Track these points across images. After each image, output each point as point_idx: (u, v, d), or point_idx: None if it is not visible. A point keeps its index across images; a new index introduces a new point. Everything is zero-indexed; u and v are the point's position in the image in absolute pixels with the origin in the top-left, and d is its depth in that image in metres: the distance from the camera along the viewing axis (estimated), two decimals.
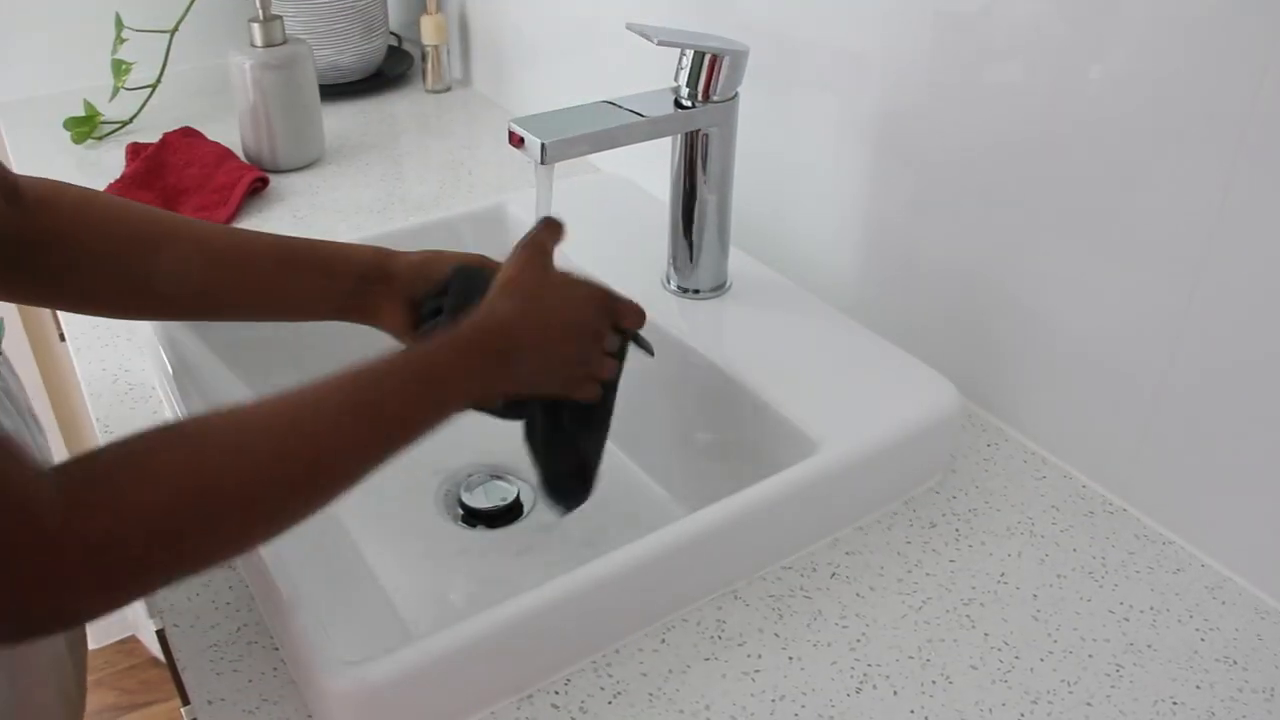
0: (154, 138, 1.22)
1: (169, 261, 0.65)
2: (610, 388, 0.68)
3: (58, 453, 1.80)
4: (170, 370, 0.77)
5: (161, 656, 1.56)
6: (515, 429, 0.92)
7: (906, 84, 0.80)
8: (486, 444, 0.90)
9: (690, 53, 0.76)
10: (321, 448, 0.51)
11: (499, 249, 0.98)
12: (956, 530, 0.72)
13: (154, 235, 0.66)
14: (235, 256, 0.68)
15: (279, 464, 0.49)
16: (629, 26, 0.73)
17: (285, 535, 0.50)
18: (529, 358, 0.62)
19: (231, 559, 0.50)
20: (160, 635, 0.73)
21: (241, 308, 0.70)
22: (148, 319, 0.78)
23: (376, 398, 0.54)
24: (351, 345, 0.93)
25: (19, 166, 1.23)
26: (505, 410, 0.68)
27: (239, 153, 1.22)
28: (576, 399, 0.66)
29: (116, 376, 0.86)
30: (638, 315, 0.68)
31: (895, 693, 0.61)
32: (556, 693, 0.61)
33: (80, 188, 0.65)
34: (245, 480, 0.47)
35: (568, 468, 0.69)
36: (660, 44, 0.72)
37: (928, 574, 0.69)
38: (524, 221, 0.96)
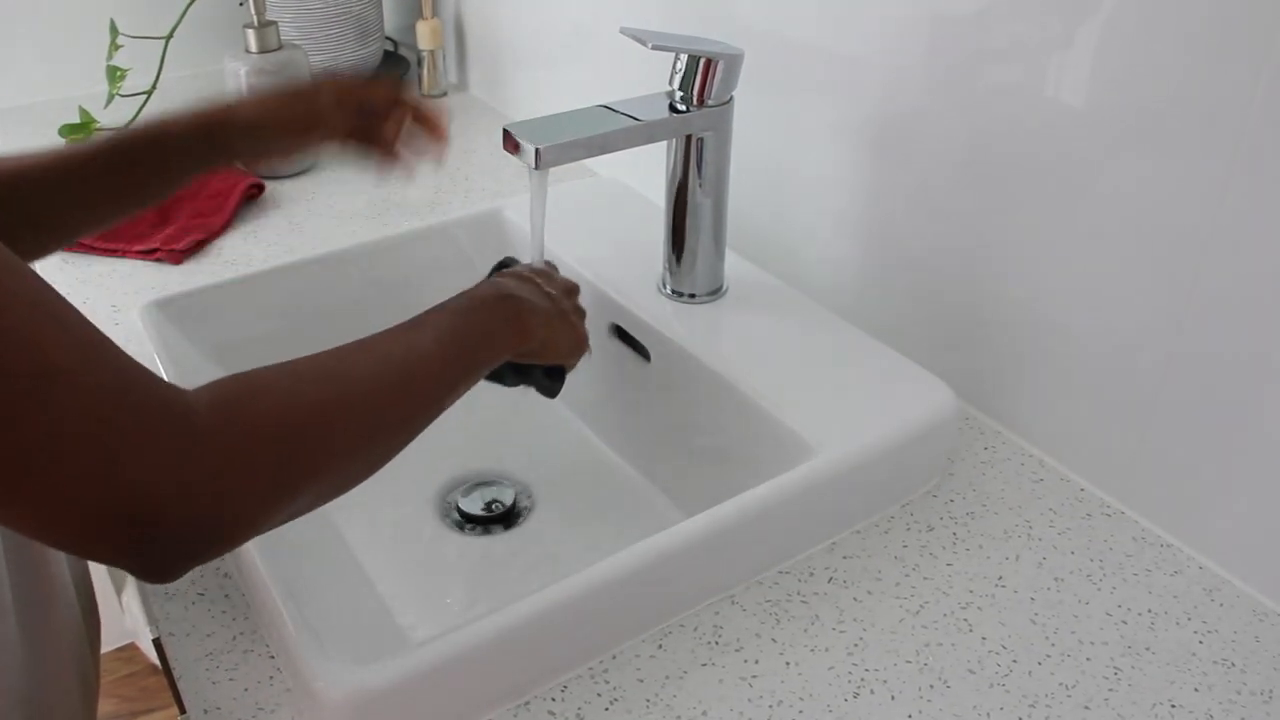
0: None
1: (32, 209, 0.66)
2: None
3: None
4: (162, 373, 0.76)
5: (159, 664, 1.56)
6: (512, 434, 0.92)
7: (903, 87, 0.80)
8: (482, 449, 0.90)
9: (685, 57, 0.76)
10: (414, 376, 0.58)
11: (496, 254, 0.98)
12: (954, 534, 0.72)
13: (27, 193, 0.65)
14: (70, 171, 0.67)
15: (378, 390, 0.55)
16: (623, 31, 0.73)
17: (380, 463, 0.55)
18: (544, 326, 0.70)
19: (341, 482, 0.53)
20: (157, 644, 0.73)
21: (93, 211, 0.70)
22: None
23: (458, 337, 0.63)
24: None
25: None
26: (510, 377, 0.76)
27: None
28: (569, 366, 0.77)
29: None
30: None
31: (893, 697, 0.60)
32: (553, 699, 0.61)
33: None
34: (353, 404, 0.53)
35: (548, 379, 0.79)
36: (655, 48, 0.72)
37: (925, 578, 0.68)
38: (520, 226, 0.96)
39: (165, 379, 0.44)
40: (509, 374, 0.75)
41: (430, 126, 0.79)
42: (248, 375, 0.49)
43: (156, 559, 0.43)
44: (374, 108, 0.76)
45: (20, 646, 0.59)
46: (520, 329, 0.68)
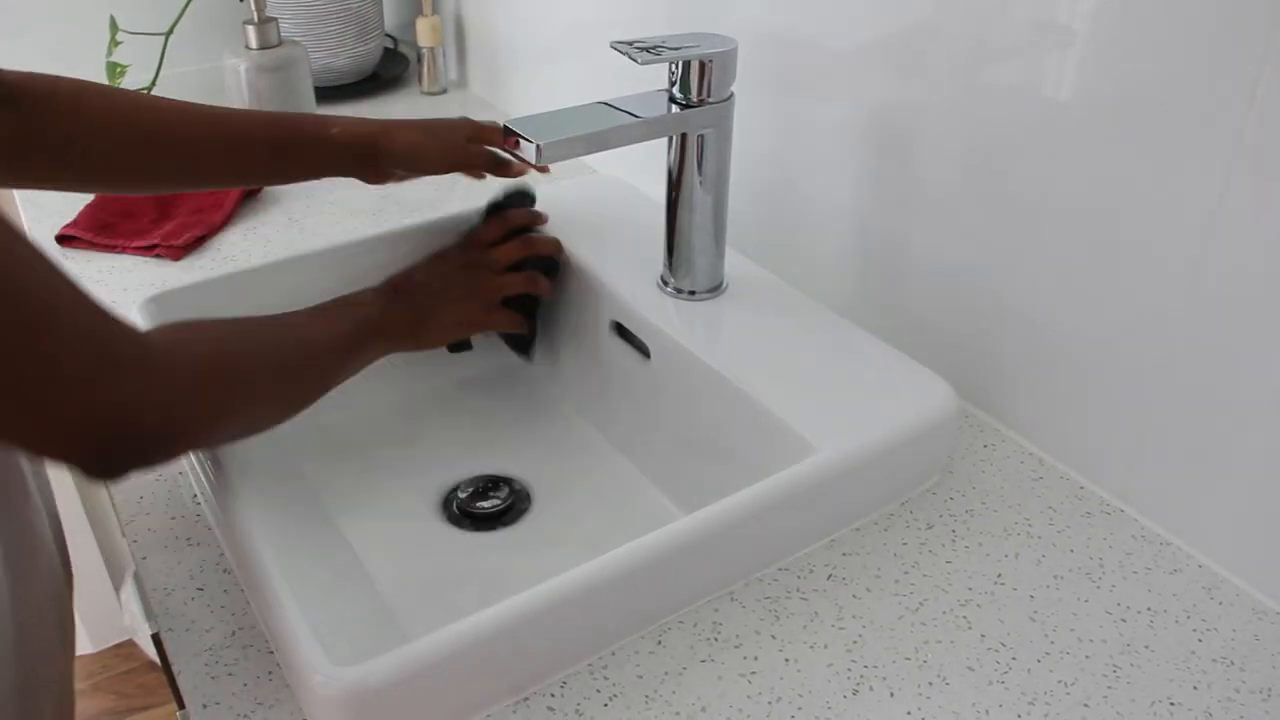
0: None
1: (167, 150, 0.77)
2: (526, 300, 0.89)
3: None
4: None
5: (158, 660, 1.56)
6: (512, 431, 0.92)
7: (904, 85, 0.80)
8: (482, 446, 0.90)
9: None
10: (311, 357, 0.70)
11: None
12: (953, 531, 0.72)
13: (152, 125, 0.76)
14: (233, 140, 0.79)
15: (284, 359, 0.67)
16: (614, 46, 0.73)
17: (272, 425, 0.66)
18: (426, 308, 0.82)
19: (256, 420, 0.64)
20: (156, 639, 0.73)
21: (238, 180, 0.85)
22: (150, 192, 0.96)
23: (351, 334, 0.75)
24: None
25: None
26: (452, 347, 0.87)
27: None
28: (501, 330, 0.88)
29: None
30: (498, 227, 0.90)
31: (892, 694, 0.60)
32: (552, 695, 0.61)
33: (71, 80, 0.73)
34: (260, 361, 0.64)
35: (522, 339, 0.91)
36: (644, 64, 0.72)
37: (924, 575, 0.68)
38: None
39: (127, 320, 0.53)
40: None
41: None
42: (195, 322, 0.60)
43: (115, 462, 0.53)
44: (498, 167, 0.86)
45: (7, 590, 0.61)
46: (407, 331, 0.81)
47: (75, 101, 0.72)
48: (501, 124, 0.76)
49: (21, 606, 0.63)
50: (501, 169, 0.84)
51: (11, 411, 0.48)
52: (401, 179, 0.84)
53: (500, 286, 0.86)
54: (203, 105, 0.78)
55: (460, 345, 0.87)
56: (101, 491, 1.80)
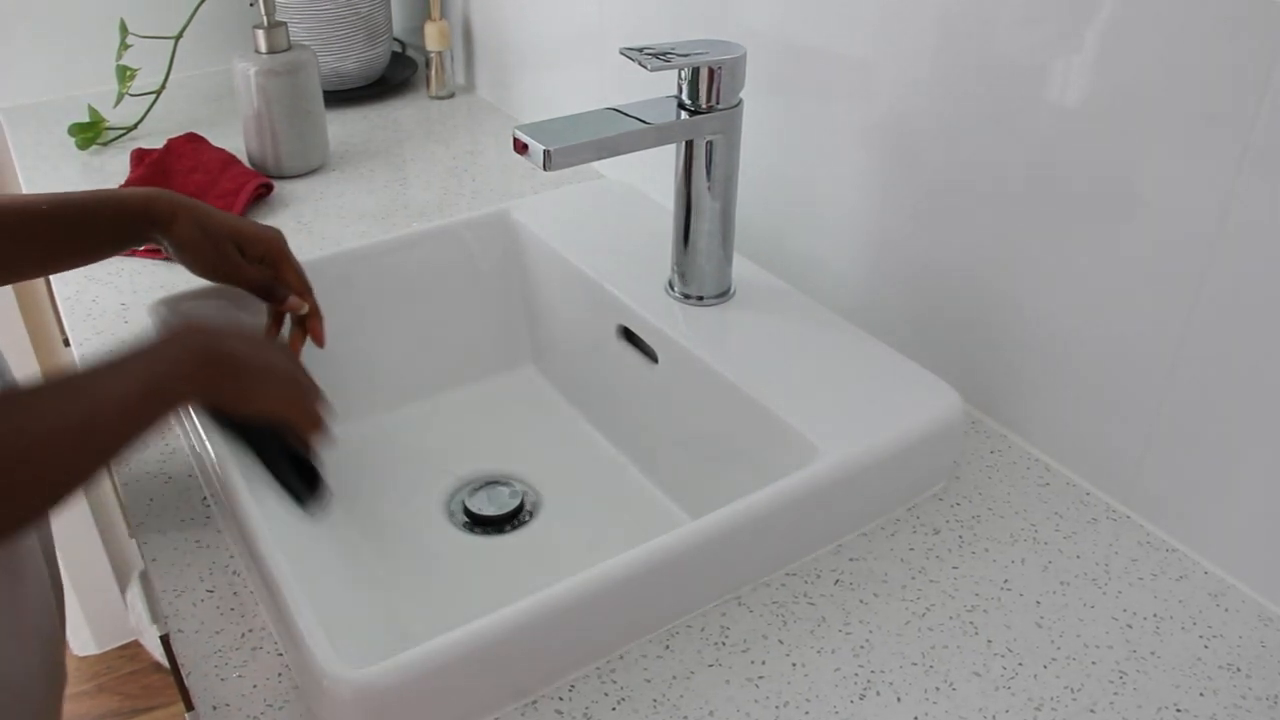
0: (158, 143, 1.22)
1: None
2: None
3: None
4: None
5: (164, 661, 1.56)
6: (519, 436, 0.92)
7: (911, 91, 0.80)
8: (489, 450, 0.90)
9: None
10: (94, 429, 0.57)
11: (502, 255, 0.99)
12: (960, 537, 0.72)
13: None
14: (17, 224, 0.75)
15: (58, 437, 0.54)
16: (623, 52, 0.73)
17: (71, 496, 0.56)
18: (248, 370, 0.65)
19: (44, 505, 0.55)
20: (164, 641, 0.74)
21: (32, 268, 0.82)
22: None
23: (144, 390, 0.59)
24: (358, 347, 0.93)
25: (24, 172, 1.24)
26: (237, 429, 0.69)
27: (243, 159, 1.22)
28: (301, 426, 0.69)
29: None
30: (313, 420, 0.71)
31: (899, 699, 0.61)
32: (560, 699, 0.61)
33: None
34: (37, 445, 0.53)
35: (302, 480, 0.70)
36: (654, 70, 0.72)
37: (931, 581, 0.69)
38: (528, 228, 0.96)
39: None
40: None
41: (313, 333, 0.85)
42: None
43: None
44: (286, 284, 0.83)
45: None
46: (211, 367, 0.63)
47: None
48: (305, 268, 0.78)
49: (7, 638, 0.61)
50: (273, 299, 0.82)
51: None
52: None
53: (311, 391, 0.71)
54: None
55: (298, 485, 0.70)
56: (108, 492, 1.81)
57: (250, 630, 0.65)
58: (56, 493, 0.55)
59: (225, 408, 0.66)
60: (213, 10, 1.36)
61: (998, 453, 0.80)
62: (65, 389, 0.56)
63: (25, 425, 0.52)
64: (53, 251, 0.78)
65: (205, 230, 0.79)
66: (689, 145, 0.79)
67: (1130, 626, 0.66)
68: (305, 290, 0.84)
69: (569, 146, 0.71)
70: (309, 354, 0.85)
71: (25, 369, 1.71)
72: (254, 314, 0.85)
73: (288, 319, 0.85)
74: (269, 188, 1.17)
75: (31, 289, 1.66)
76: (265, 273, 0.83)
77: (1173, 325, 0.67)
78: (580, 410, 0.94)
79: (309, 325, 0.85)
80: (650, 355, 0.85)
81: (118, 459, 0.58)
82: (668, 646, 0.64)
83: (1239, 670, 0.63)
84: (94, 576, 1.87)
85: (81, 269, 1.03)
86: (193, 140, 1.22)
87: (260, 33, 1.15)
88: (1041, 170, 0.72)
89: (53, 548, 0.74)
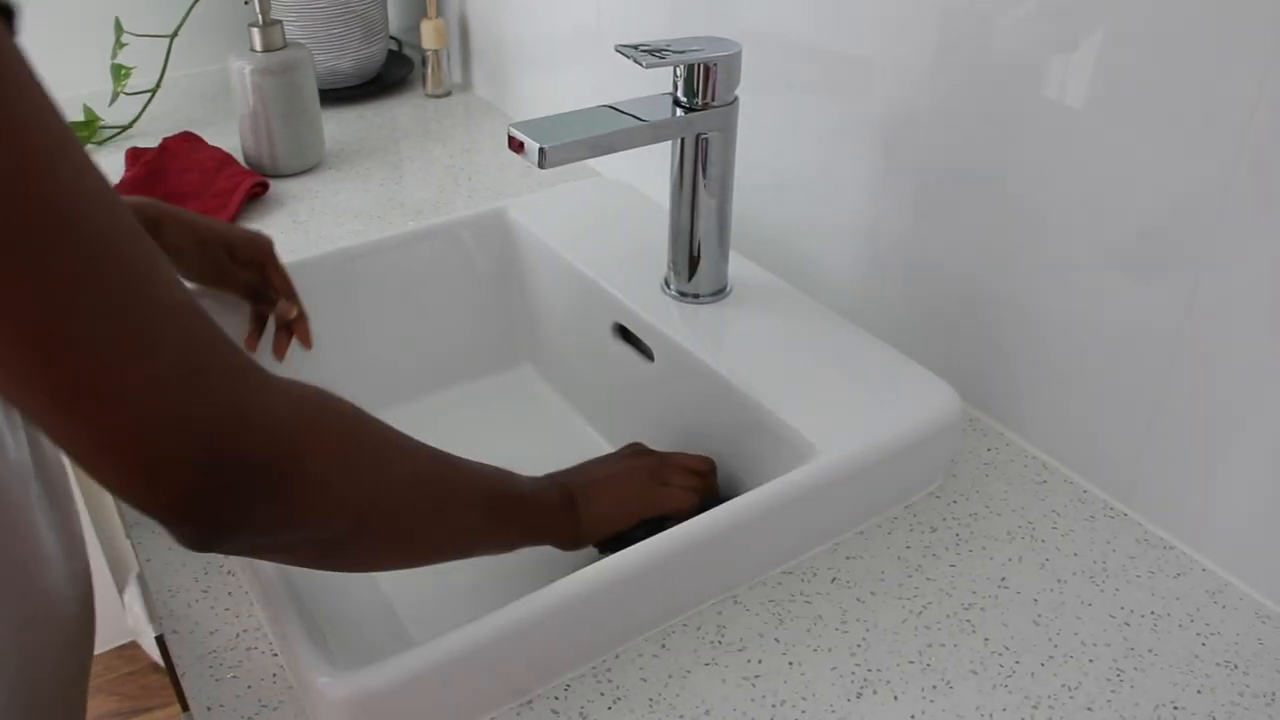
0: (154, 143, 1.22)
1: None
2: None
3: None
4: None
5: (162, 662, 1.56)
6: (516, 434, 0.92)
7: (907, 87, 0.80)
8: (485, 449, 0.90)
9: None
10: (447, 516, 0.59)
11: (498, 254, 0.98)
12: (957, 535, 0.72)
13: None
14: None
15: (415, 498, 0.56)
16: (619, 49, 0.73)
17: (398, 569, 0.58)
18: (595, 502, 0.69)
19: (364, 562, 0.56)
20: (160, 641, 0.73)
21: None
22: None
23: (497, 505, 0.63)
24: (354, 347, 0.93)
25: None
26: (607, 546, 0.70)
27: (239, 158, 1.22)
28: (671, 510, 0.71)
29: None
30: (696, 463, 0.75)
31: (896, 697, 0.60)
32: (556, 698, 0.61)
33: None
34: (403, 497, 0.55)
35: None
36: (649, 67, 0.72)
37: (928, 579, 0.68)
38: (524, 226, 0.96)
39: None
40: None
41: (300, 335, 0.86)
42: (325, 393, 0.51)
43: (205, 501, 0.42)
44: (272, 288, 0.84)
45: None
46: (569, 535, 0.68)
47: None
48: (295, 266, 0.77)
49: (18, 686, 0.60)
50: (260, 302, 0.84)
51: (106, 409, 0.40)
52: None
53: (671, 496, 0.72)
54: None
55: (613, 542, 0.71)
56: (105, 493, 1.80)
57: (245, 631, 0.65)
58: (392, 547, 0.56)
59: (580, 546, 0.70)
60: (208, 8, 1.35)
61: (995, 450, 0.80)
62: (445, 470, 0.59)
63: (385, 455, 0.54)
64: None
65: (194, 235, 0.80)
66: (685, 143, 0.79)
67: (1128, 624, 0.65)
68: (292, 294, 0.85)
69: (564, 144, 0.71)
70: (299, 357, 0.85)
71: None
72: (241, 318, 0.86)
73: (270, 322, 0.86)
74: (265, 186, 1.16)
75: None
76: (253, 277, 0.83)
77: (1171, 323, 0.67)
78: (577, 409, 0.94)
79: (296, 329, 0.86)
80: (647, 353, 0.84)
81: (445, 553, 0.61)
82: (664, 645, 0.64)
83: (1236, 667, 0.63)
84: (91, 577, 1.86)
85: None
86: (188, 139, 1.22)
87: (255, 31, 1.15)
88: (1040, 168, 0.72)
89: (90, 589, 0.73)
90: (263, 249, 0.83)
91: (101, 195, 0.40)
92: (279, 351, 0.86)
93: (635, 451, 0.76)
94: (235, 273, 0.82)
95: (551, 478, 0.69)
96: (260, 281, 0.84)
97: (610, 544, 0.69)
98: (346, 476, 0.49)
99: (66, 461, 0.67)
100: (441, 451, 0.59)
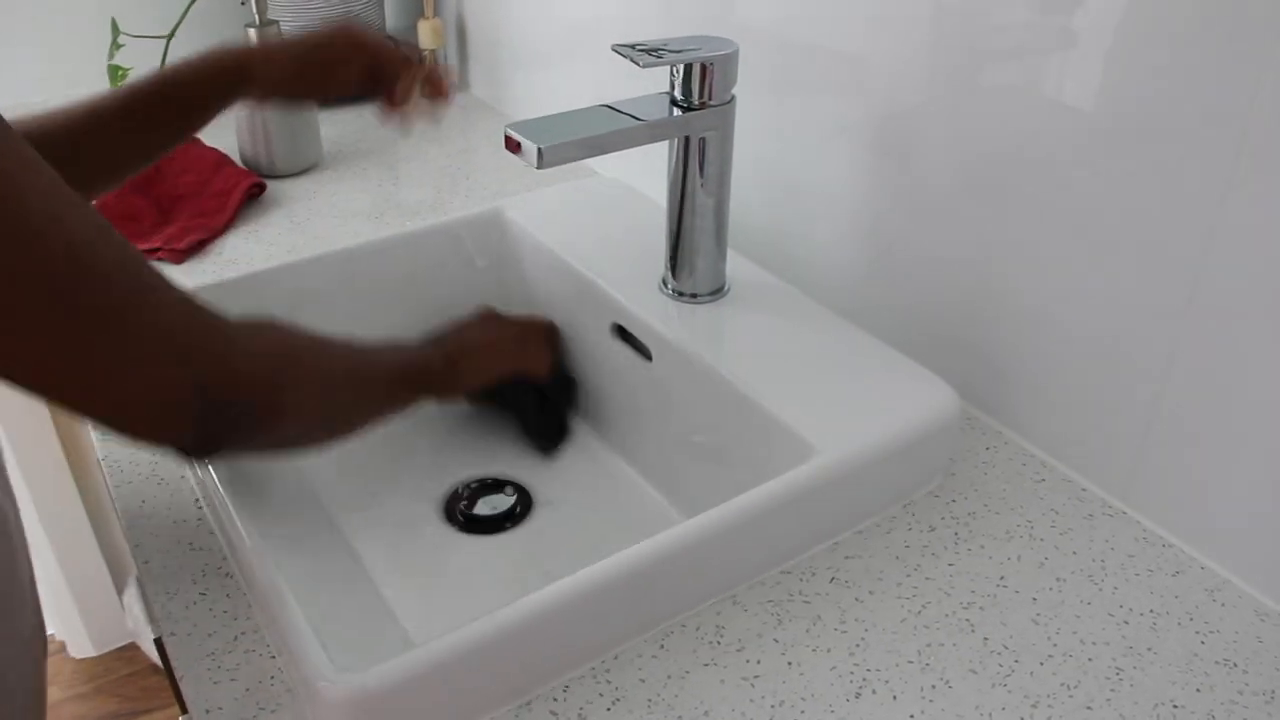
0: None
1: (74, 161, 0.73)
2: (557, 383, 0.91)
3: (58, 456, 1.80)
4: None
5: (161, 664, 1.56)
6: (514, 435, 0.92)
7: (905, 86, 0.79)
8: (484, 451, 0.90)
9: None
10: (371, 397, 0.71)
11: (496, 254, 0.98)
12: (955, 534, 0.72)
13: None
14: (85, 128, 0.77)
15: (336, 379, 0.67)
16: (615, 49, 0.73)
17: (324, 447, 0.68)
18: (473, 364, 0.83)
19: (320, 422, 0.66)
20: (158, 643, 0.73)
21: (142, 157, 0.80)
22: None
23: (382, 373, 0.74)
24: None
25: None
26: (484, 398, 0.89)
27: (236, 158, 1.22)
28: (528, 371, 0.87)
29: None
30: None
31: (895, 697, 0.60)
32: (555, 699, 0.61)
33: None
34: (330, 361, 0.67)
35: (550, 432, 0.90)
36: (646, 66, 0.72)
37: (927, 578, 0.68)
38: (521, 226, 0.96)
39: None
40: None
41: (436, 91, 0.88)
42: (269, 318, 0.61)
43: (210, 435, 0.55)
44: (384, 67, 0.83)
45: None
46: (443, 379, 0.80)
47: None
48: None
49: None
50: (384, 85, 0.83)
51: (116, 390, 0.51)
52: (283, 103, 0.82)
53: (530, 358, 0.89)
54: (59, 111, 0.76)
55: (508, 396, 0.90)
56: (103, 493, 1.80)
57: (243, 633, 0.64)
58: (328, 420, 0.66)
59: (458, 393, 0.85)
60: (204, 9, 1.35)
61: (993, 449, 0.80)
62: (349, 342, 0.68)
63: (325, 364, 0.65)
64: (145, 144, 0.78)
65: (290, 59, 0.80)
66: (682, 142, 0.79)
67: (1127, 623, 0.65)
68: (405, 62, 0.83)
69: (561, 144, 0.71)
70: None
71: None
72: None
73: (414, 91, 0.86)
74: (262, 188, 1.16)
75: None
76: (358, 71, 0.82)
77: (1169, 321, 0.67)
78: (574, 409, 0.94)
79: (430, 92, 0.86)
80: (644, 353, 0.84)
81: (366, 421, 0.70)
82: (662, 646, 0.64)
83: (1235, 666, 0.63)
84: (91, 579, 1.86)
85: None
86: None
87: (252, 31, 1.15)
88: (1037, 166, 0.72)
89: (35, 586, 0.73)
90: (352, 37, 0.82)
91: (75, 206, 0.49)
92: (438, 105, 0.88)
93: (492, 315, 0.89)
94: (344, 75, 0.82)
95: (436, 343, 0.81)
96: (366, 70, 0.82)
97: (481, 398, 0.88)
98: (308, 393, 0.62)
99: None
100: (351, 341, 0.68)
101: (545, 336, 0.90)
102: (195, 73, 0.77)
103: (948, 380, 0.76)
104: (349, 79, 0.82)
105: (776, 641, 0.64)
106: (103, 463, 0.78)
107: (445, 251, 0.97)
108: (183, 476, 0.77)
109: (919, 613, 0.66)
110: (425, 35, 1.40)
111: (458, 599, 0.77)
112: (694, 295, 0.84)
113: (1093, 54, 0.66)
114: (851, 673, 0.62)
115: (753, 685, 0.61)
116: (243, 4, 1.18)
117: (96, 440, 0.81)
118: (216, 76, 0.77)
